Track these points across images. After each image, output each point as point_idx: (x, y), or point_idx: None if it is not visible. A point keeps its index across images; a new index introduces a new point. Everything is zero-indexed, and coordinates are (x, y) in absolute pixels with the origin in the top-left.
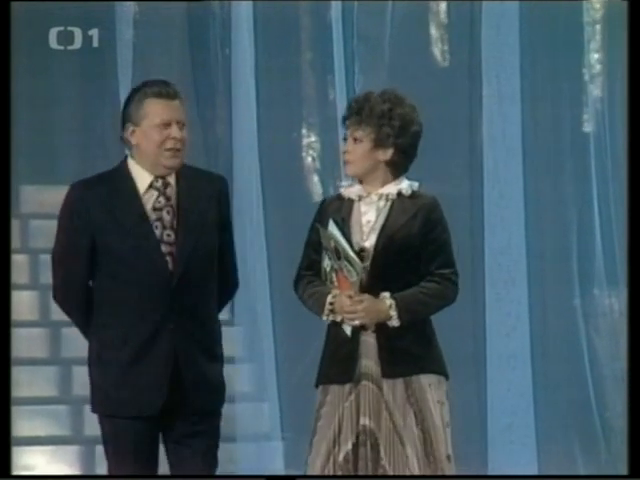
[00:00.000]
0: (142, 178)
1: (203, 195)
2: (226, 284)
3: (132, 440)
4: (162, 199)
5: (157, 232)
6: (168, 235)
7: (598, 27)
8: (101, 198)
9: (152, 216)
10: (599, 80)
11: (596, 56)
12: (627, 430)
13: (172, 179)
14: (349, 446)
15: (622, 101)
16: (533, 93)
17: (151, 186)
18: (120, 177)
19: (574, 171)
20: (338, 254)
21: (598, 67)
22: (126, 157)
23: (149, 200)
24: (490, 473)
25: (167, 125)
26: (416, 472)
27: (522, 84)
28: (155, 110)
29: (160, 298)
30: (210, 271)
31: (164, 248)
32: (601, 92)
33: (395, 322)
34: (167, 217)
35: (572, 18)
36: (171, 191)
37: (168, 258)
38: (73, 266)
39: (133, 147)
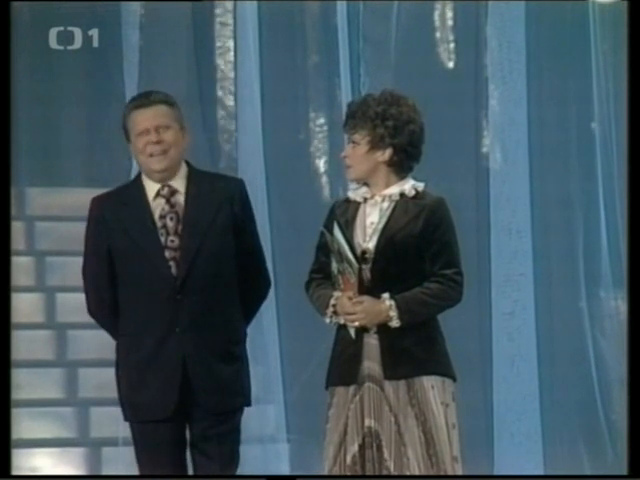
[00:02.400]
0: (151, 187)
1: (214, 199)
2: (253, 284)
3: (156, 443)
4: (167, 206)
5: (162, 239)
6: (172, 241)
7: (604, 27)
8: (115, 208)
9: (158, 224)
10: (605, 80)
11: (602, 56)
12: (627, 430)
13: (181, 186)
14: (355, 448)
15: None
16: (539, 93)
17: (158, 194)
18: (134, 188)
19: (580, 172)
20: (341, 256)
21: (604, 67)
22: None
23: (157, 208)
24: (496, 474)
25: (146, 132)
26: (417, 474)
27: (528, 85)
28: (134, 121)
29: (166, 303)
30: (220, 273)
31: (168, 254)
32: (607, 92)
33: (395, 323)
34: (170, 224)
35: (578, 18)
36: (178, 198)
37: (172, 263)
38: (97, 277)
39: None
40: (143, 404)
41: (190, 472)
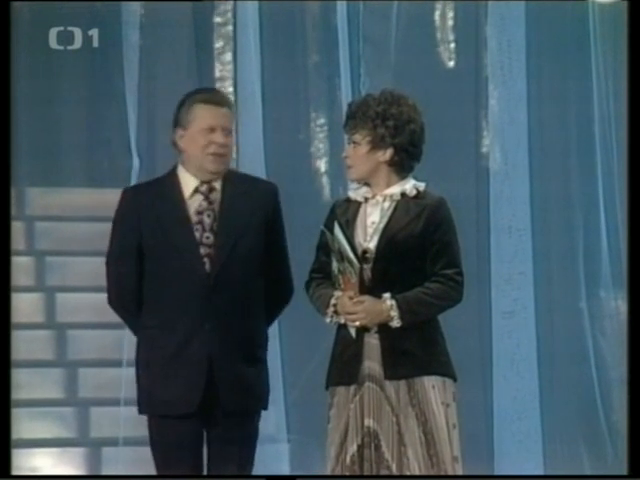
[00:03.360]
0: (188, 183)
1: (248, 200)
2: (279, 288)
3: (175, 440)
4: (205, 203)
5: (197, 235)
6: (207, 237)
7: (604, 27)
8: (149, 202)
9: (194, 219)
10: (605, 80)
11: (602, 56)
12: (627, 430)
13: (218, 184)
14: (355, 447)
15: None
16: (539, 93)
17: (196, 190)
18: (168, 182)
19: (580, 172)
20: (342, 256)
21: (604, 67)
22: (177, 164)
23: (193, 204)
24: (496, 474)
25: (212, 130)
26: (417, 474)
27: (528, 85)
28: (202, 115)
29: (197, 299)
30: (251, 274)
31: (202, 250)
32: (607, 92)
33: (396, 323)
34: (207, 220)
35: (578, 18)
36: (215, 195)
37: (206, 260)
38: (124, 269)
39: (181, 151)
40: (166, 399)
41: (205, 471)
